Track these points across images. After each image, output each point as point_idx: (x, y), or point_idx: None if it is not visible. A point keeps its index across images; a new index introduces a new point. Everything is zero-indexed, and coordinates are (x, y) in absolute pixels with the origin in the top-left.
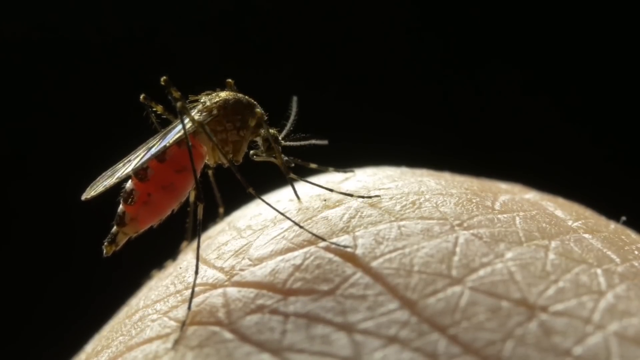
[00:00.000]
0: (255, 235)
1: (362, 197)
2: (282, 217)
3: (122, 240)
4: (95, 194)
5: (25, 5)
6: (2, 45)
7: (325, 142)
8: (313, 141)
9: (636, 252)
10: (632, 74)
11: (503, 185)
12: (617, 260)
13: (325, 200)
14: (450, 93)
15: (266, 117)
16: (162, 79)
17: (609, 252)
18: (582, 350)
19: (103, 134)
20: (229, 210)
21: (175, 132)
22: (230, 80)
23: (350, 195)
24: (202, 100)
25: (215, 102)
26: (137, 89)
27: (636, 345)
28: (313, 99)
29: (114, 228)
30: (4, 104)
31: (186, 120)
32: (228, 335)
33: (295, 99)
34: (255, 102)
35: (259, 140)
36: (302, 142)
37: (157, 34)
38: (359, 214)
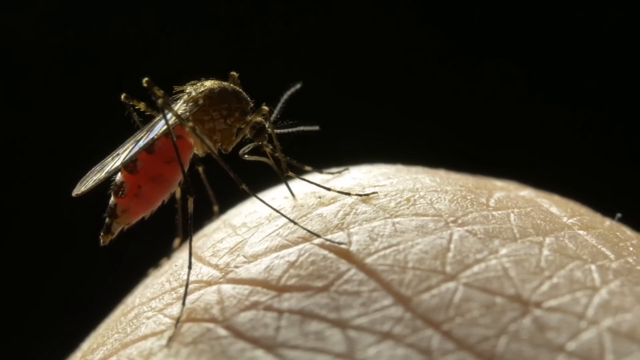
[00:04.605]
0: (250, 232)
1: (359, 195)
2: (277, 214)
3: (117, 229)
4: (85, 189)
5: (19, 4)
6: None
7: (315, 127)
8: (302, 127)
9: (631, 249)
10: (629, 70)
11: (498, 183)
12: (612, 256)
13: (320, 197)
14: (446, 90)
15: (252, 105)
16: (144, 81)
17: (603, 249)
18: (575, 345)
19: (91, 130)
20: (224, 209)
21: (163, 124)
22: (234, 73)
23: (347, 194)
24: (187, 91)
25: (201, 92)
26: (124, 84)
27: (630, 341)
28: (307, 95)
29: (107, 220)
30: None
31: (169, 115)
32: (222, 331)
33: (287, 92)
34: (241, 90)
35: (246, 128)
36: (291, 129)
37: (144, 28)
38: (354, 210)
